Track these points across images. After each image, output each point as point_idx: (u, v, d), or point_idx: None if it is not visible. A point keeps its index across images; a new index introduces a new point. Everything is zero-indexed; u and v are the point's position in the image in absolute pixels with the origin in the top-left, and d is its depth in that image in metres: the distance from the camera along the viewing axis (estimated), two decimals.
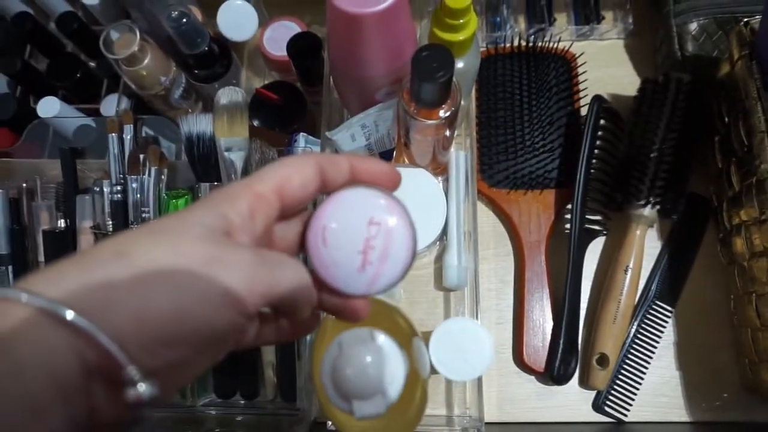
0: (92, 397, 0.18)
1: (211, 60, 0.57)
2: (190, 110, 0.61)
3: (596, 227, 0.55)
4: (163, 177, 0.53)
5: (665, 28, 0.57)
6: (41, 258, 0.54)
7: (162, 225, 0.20)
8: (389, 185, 0.25)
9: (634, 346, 0.53)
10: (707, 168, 0.56)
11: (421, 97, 0.41)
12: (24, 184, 0.56)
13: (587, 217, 0.54)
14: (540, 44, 0.58)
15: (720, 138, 0.52)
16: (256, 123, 0.56)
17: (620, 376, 0.52)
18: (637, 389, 0.52)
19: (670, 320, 0.53)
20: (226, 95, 0.51)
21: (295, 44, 0.56)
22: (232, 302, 0.19)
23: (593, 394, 0.52)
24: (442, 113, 0.43)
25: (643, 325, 0.53)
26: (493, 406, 0.52)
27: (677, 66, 0.56)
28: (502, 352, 0.54)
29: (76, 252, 0.20)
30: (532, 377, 0.53)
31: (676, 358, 0.53)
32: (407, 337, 0.38)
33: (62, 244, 0.53)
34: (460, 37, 0.42)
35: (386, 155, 0.55)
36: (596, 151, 0.54)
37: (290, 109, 0.57)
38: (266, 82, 0.62)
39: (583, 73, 0.58)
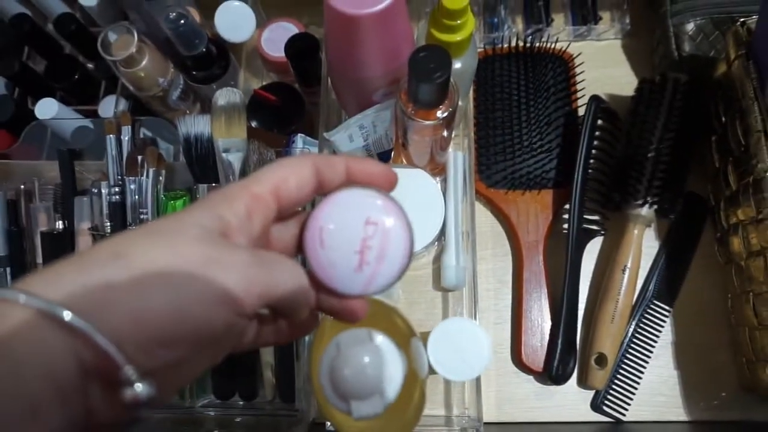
0: (90, 398, 0.18)
1: (209, 61, 0.57)
2: (188, 111, 0.61)
3: (594, 227, 0.55)
4: (161, 178, 0.53)
5: (662, 28, 0.57)
6: (39, 259, 0.54)
7: (159, 226, 0.20)
8: (386, 186, 0.25)
9: (632, 345, 0.53)
10: (704, 167, 0.56)
11: (418, 98, 0.41)
12: (22, 186, 0.56)
13: (585, 217, 0.54)
14: (537, 45, 0.58)
15: (717, 138, 0.53)
16: (254, 124, 0.56)
17: (618, 376, 0.52)
18: (636, 389, 0.52)
19: (667, 320, 0.54)
20: (224, 96, 0.51)
21: (292, 45, 0.56)
22: (229, 303, 0.20)
23: (592, 393, 0.53)
24: (439, 114, 0.43)
25: (641, 325, 0.53)
26: (491, 406, 0.53)
27: (674, 66, 0.56)
28: (500, 352, 0.54)
29: (74, 253, 0.20)
30: (531, 377, 0.53)
31: (674, 358, 0.53)
32: (405, 337, 0.38)
33: (60, 246, 0.53)
34: (458, 37, 0.42)
35: (384, 156, 0.55)
36: (594, 151, 0.55)
37: (288, 110, 0.57)
38: (264, 83, 0.62)
39: (581, 73, 0.58)
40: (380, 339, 0.32)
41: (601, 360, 0.51)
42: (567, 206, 0.54)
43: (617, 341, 0.51)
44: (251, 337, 0.25)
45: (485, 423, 0.47)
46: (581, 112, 0.56)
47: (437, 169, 0.55)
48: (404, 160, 0.54)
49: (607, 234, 0.56)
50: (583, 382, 0.52)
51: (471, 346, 0.42)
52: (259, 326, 0.25)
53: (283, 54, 0.56)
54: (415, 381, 0.37)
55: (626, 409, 0.51)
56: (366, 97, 0.47)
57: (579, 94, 0.58)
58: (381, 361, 0.30)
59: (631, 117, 0.55)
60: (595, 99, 0.55)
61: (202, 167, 0.52)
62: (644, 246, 0.53)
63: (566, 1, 0.63)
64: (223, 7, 0.57)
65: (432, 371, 0.42)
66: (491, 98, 0.58)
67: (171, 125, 0.59)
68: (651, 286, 0.54)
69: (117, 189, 0.52)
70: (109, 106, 0.61)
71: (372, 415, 0.30)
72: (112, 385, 0.18)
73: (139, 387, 0.18)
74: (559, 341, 0.51)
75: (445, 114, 0.43)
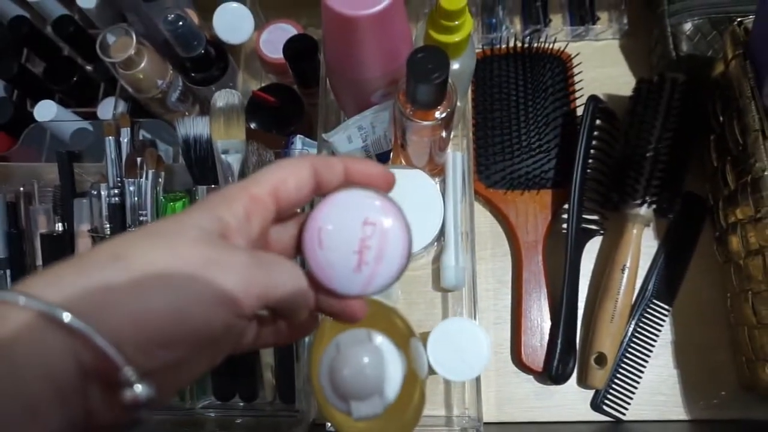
0: (89, 399, 0.18)
1: (207, 63, 0.57)
2: (186, 113, 0.61)
3: (593, 227, 0.55)
4: (160, 180, 0.53)
5: (660, 28, 0.57)
6: (39, 262, 0.54)
7: (159, 228, 0.20)
8: (384, 186, 0.25)
9: (632, 345, 0.53)
10: (703, 167, 0.56)
11: (416, 99, 0.41)
12: (21, 188, 0.56)
13: (584, 216, 0.54)
14: (536, 45, 0.58)
15: (715, 137, 0.53)
16: (253, 125, 0.56)
17: (618, 375, 0.52)
18: (635, 388, 0.52)
19: (667, 319, 0.54)
20: (223, 98, 0.51)
21: (291, 47, 0.56)
22: (228, 304, 0.20)
23: (591, 393, 0.53)
24: (438, 114, 0.43)
25: (641, 324, 0.53)
26: (491, 406, 0.53)
27: (672, 66, 0.56)
28: (500, 352, 0.54)
29: (73, 255, 0.20)
30: (531, 377, 0.54)
31: (674, 357, 0.53)
32: (405, 337, 0.38)
33: (60, 248, 0.53)
34: (456, 38, 0.42)
35: (383, 157, 0.55)
36: (592, 151, 0.55)
37: (287, 111, 0.57)
38: (263, 84, 0.62)
39: (579, 73, 0.58)
40: (380, 339, 0.32)
41: (601, 359, 0.51)
42: (566, 206, 0.54)
43: (617, 341, 0.52)
44: (251, 338, 0.25)
45: (485, 423, 0.48)
46: (579, 112, 0.56)
47: (436, 169, 0.55)
48: (403, 161, 0.54)
49: (606, 234, 0.56)
50: (582, 382, 0.52)
51: (470, 346, 0.42)
52: (258, 327, 0.25)
53: (281, 55, 0.56)
54: (414, 381, 0.37)
55: (626, 409, 0.51)
56: (364, 98, 0.47)
57: (577, 94, 0.58)
58: (380, 361, 0.30)
59: (629, 117, 0.55)
60: (593, 99, 0.55)
61: (201, 169, 0.52)
62: (643, 245, 0.53)
63: (564, 1, 0.64)
64: (221, 9, 0.57)
65: (432, 371, 0.42)
66: (490, 99, 0.58)
67: (170, 127, 0.59)
68: (650, 286, 0.54)
69: (116, 191, 0.52)
70: (108, 108, 0.61)
71: (372, 415, 0.30)
72: (111, 387, 0.18)
73: (138, 388, 0.18)
74: (559, 341, 0.51)
75: (444, 114, 0.43)
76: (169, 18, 0.51)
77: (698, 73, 0.54)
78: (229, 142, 0.50)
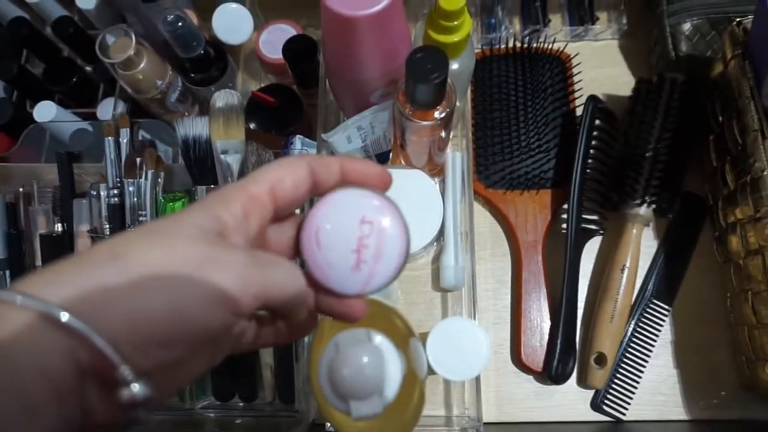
0: (87, 398, 0.18)
1: (206, 63, 0.57)
2: (186, 113, 0.61)
3: (592, 227, 0.55)
4: (159, 180, 0.53)
5: (659, 28, 0.57)
6: (38, 262, 0.54)
7: (157, 226, 0.21)
8: (380, 186, 0.25)
9: (632, 344, 0.53)
10: (702, 167, 0.56)
11: (416, 99, 0.41)
12: (21, 189, 0.56)
13: (583, 216, 0.54)
14: (535, 45, 0.58)
15: (714, 137, 0.53)
16: (252, 126, 0.56)
17: (618, 375, 0.52)
18: (635, 388, 0.52)
19: (667, 319, 0.54)
20: (222, 98, 0.51)
21: (290, 47, 0.56)
22: (225, 302, 0.20)
23: (591, 393, 0.53)
24: (437, 114, 0.43)
25: (641, 324, 0.53)
26: (491, 406, 0.53)
27: (671, 66, 0.56)
28: (500, 352, 0.54)
29: (72, 254, 0.20)
30: (530, 377, 0.54)
31: (674, 357, 0.53)
32: (404, 337, 0.38)
33: (59, 248, 0.53)
34: (455, 38, 0.42)
35: (382, 157, 0.55)
36: (592, 151, 0.55)
37: (286, 111, 0.57)
38: (262, 85, 0.62)
39: (578, 73, 0.58)
40: (379, 339, 0.32)
41: (601, 359, 0.51)
42: (565, 206, 0.54)
43: (616, 340, 0.52)
44: (250, 338, 0.25)
45: (485, 423, 0.48)
46: (579, 112, 0.56)
47: (436, 169, 0.55)
48: (403, 161, 0.54)
49: (605, 234, 0.56)
50: (582, 382, 0.52)
51: (470, 345, 0.42)
52: (258, 327, 0.25)
53: (281, 56, 0.56)
54: (414, 381, 0.37)
55: (626, 409, 0.51)
56: (364, 99, 0.47)
57: (576, 95, 0.58)
58: (380, 361, 0.30)
59: (628, 117, 0.55)
60: (592, 99, 0.55)
61: (201, 169, 0.52)
62: (643, 245, 0.53)
63: (563, 1, 0.64)
64: (220, 10, 0.57)
65: (431, 371, 0.42)
66: (489, 99, 0.59)
67: (169, 127, 0.59)
68: (650, 286, 0.54)
69: (116, 191, 0.52)
70: (107, 109, 0.61)
71: (371, 415, 0.30)
72: (108, 386, 0.18)
73: (135, 387, 0.18)
74: (559, 341, 0.51)
75: (443, 114, 0.43)
76: (169, 19, 0.51)
77: (697, 73, 0.54)
78: (229, 143, 0.50)
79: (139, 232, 0.20)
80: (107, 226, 0.52)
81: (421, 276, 0.56)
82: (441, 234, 0.53)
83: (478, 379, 0.46)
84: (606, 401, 0.52)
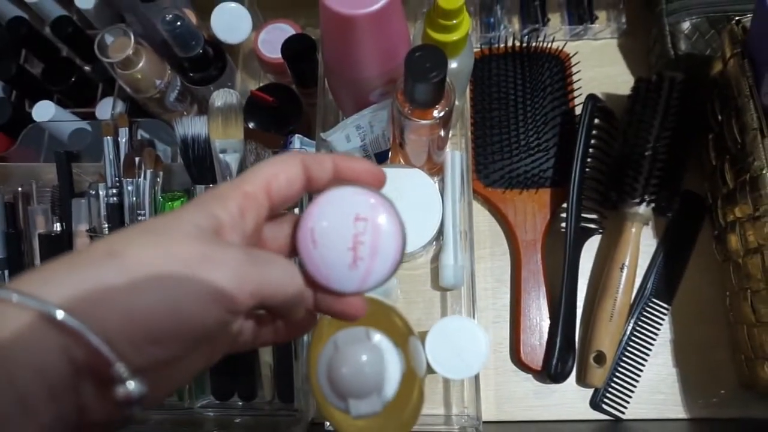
0: (81, 396, 0.18)
1: (205, 63, 0.57)
2: (185, 113, 0.61)
3: (592, 226, 0.55)
4: (158, 180, 0.53)
5: (658, 27, 0.57)
6: (37, 262, 0.54)
7: (153, 225, 0.20)
8: (374, 183, 0.25)
9: (631, 343, 0.53)
10: (701, 166, 0.56)
11: (414, 98, 0.41)
12: (20, 188, 0.56)
13: (583, 215, 0.54)
14: (534, 44, 0.58)
15: (714, 136, 0.53)
16: (251, 125, 0.56)
17: (617, 374, 0.52)
18: (635, 387, 0.52)
19: (666, 318, 0.54)
20: (221, 97, 0.51)
21: (289, 46, 0.56)
22: (221, 300, 0.20)
23: (591, 391, 0.53)
24: (436, 113, 0.43)
25: (640, 323, 0.53)
26: (491, 404, 0.53)
27: (670, 65, 0.56)
28: (499, 351, 0.54)
29: (68, 253, 0.20)
30: (530, 376, 0.54)
31: (673, 356, 0.53)
32: (403, 336, 0.38)
33: (58, 248, 0.53)
34: (454, 37, 0.42)
35: (382, 156, 0.55)
36: (591, 150, 0.55)
37: (285, 110, 0.57)
38: (261, 84, 0.62)
39: (577, 72, 0.58)
40: (378, 337, 0.32)
41: (600, 358, 0.51)
42: (564, 205, 0.54)
43: (616, 339, 0.52)
44: (249, 337, 0.25)
45: (484, 422, 0.48)
46: (578, 111, 0.56)
47: (435, 168, 0.55)
48: (402, 160, 0.54)
49: (605, 232, 0.56)
50: (582, 381, 0.52)
51: (469, 344, 0.42)
52: (257, 326, 0.25)
53: (279, 55, 0.56)
54: (413, 380, 0.37)
55: (625, 407, 0.51)
56: (363, 98, 0.47)
57: (576, 94, 0.58)
58: (379, 359, 0.30)
59: (627, 116, 0.55)
60: (591, 98, 0.55)
61: (200, 168, 0.52)
62: (642, 244, 0.53)
63: (562, 0, 0.64)
64: (219, 9, 0.57)
65: (430, 370, 0.42)
66: (488, 98, 0.59)
67: (168, 127, 0.59)
68: (649, 285, 0.54)
69: (115, 191, 0.52)
70: (106, 109, 0.61)
71: (370, 413, 0.30)
72: (104, 383, 0.18)
73: (131, 385, 0.18)
74: (558, 340, 0.51)
75: (442, 113, 0.43)
76: (167, 18, 0.51)
77: (696, 72, 0.54)
78: (227, 142, 0.50)
79: (135, 230, 0.20)
80: (106, 225, 0.52)
81: (421, 275, 0.56)
82: (440, 233, 0.53)
83: (477, 377, 0.46)
84: (605, 400, 0.52)
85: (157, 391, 0.20)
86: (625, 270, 0.52)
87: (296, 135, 0.55)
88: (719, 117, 0.51)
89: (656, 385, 0.52)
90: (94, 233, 0.52)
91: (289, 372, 0.50)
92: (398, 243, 0.24)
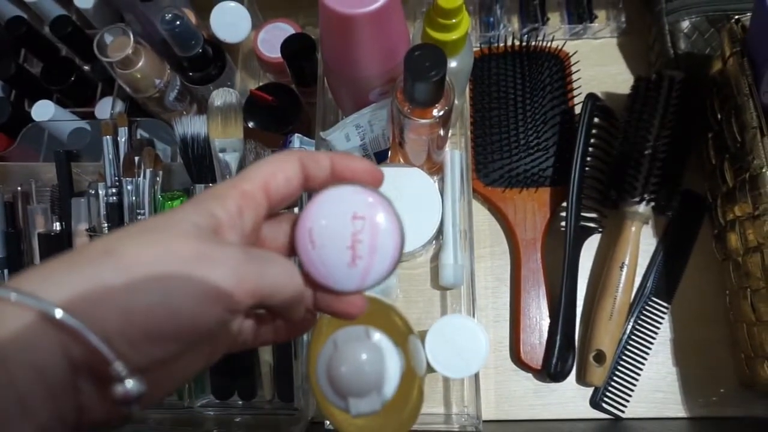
0: (80, 395, 0.18)
1: (205, 62, 0.57)
2: (184, 112, 0.61)
3: (591, 225, 0.55)
4: (158, 179, 0.53)
5: (658, 26, 0.57)
6: (37, 261, 0.54)
7: (151, 224, 0.20)
8: (371, 181, 0.25)
9: (631, 342, 0.53)
10: (701, 164, 0.56)
11: (414, 97, 0.41)
12: (19, 188, 0.56)
13: (582, 214, 0.54)
14: (533, 43, 0.58)
15: (713, 134, 0.53)
16: (251, 124, 0.56)
17: (617, 373, 0.52)
18: (634, 385, 0.52)
19: (666, 317, 0.54)
20: (220, 97, 0.51)
21: (288, 46, 0.56)
22: (219, 299, 0.20)
23: (590, 390, 0.53)
24: (435, 112, 0.43)
25: (640, 322, 0.53)
26: (490, 403, 0.53)
27: (670, 64, 0.56)
28: (499, 350, 0.54)
29: (66, 251, 0.20)
30: (530, 375, 0.54)
31: (673, 355, 0.53)
32: (403, 335, 0.38)
33: (58, 247, 0.53)
34: (453, 36, 0.42)
35: (381, 155, 0.55)
36: (590, 148, 0.55)
37: (285, 110, 0.57)
38: (261, 83, 0.62)
39: (577, 71, 0.58)
40: (377, 336, 0.32)
41: (600, 357, 0.51)
42: (564, 204, 0.54)
43: (615, 338, 0.52)
44: (249, 336, 0.25)
45: (484, 421, 0.48)
46: (578, 110, 0.56)
47: (434, 168, 0.55)
48: (401, 159, 0.54)
49: (604, 231, 0.56)
50: (581, 380, 0.52)
51: (469, 343, 0.42)
52: (256, 326, 0.25)
53: (279, 54, 0.56)
54: (413, 378, 0.37)
55: (625, 406, 0.51)
56: (362, 97, 0.47)
57: (575, 93, 0.58)
58: (378, 358, 0.30)
59: (627, 115, 0.55)
60: (591, 97, 0.55)
61: (199, 168, 0.52)
62: (642, 243, 0.53)
63: None
64: (218, 8, 0.57)
65: (430, 369, 0.42)
66: (488, 97, 0.58)
67: (168, 126, 0.59)
68: (649, 283, 0.54)
69: (114, 190, 0.52)
70: (105, 108, 0.61)
71: (370, 412, 0.30)
72: (102, 382, 0.18)
73: (129, 383, 0.18)
74: (558, 338, 0.51)
75: (441, 112, 0.43)
76: (167, 17, 0.51)
77: (696, 71, 0.54)
78: (227, 141, 0.50)
79: (133, 229, 0.20)
80: (106, 225, 0.52)
81: (420, 274, 0.56)
82: (440, 232, 0.53)
83: (477, 376, 0.46)
84: (605, 399, 0.52)
85: (156, 391, 0.20)
86: (625, 269, 0.52)
87: (296, 134, 0.55)
88: (719, 116, 0.51)
89: (656, 384, 0.52)
90: (93, 232, 0.52)
91: (288, 371, 0.50)
92: (396, 241, 0.24)
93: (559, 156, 0.56)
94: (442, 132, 0.47)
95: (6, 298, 0.17)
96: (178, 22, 0.51)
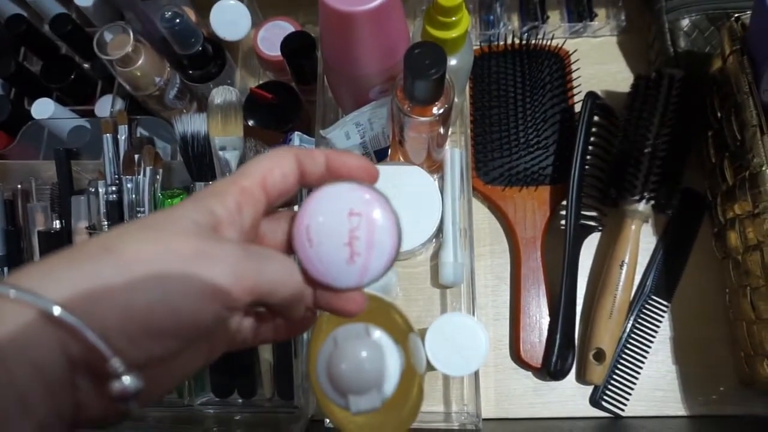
0: (78, 391, 0.18)
1: (205, 60, 0.57)
2: (184, 110, 0.61)
3: (591, 223, 0.55)
4: (158, 177, 0.53)
5: (657, 24, 0.57)
6: (37, 259, 0.54)
7: (150, 221, 0.20)
8: (367, 178, 0.25)
9: (631, 341, 0.53)
10: (701, 163, 0.56)
11: (414, 95, 0.41)
12: (19, 186, 0.56)
13: (582, 213, 0.54)
14: (533, 42, 0.58)
15: (713, 133, 0.53)
16: (251, 122, 0.56)
17: (617, 371, 0.52)
18: (634, 384, 0.52)
19: (666, 315, 0.54)
20: (220, 95, 0.51)
21: (288, 44, 0.56)
22: (218, 296, 0.20)
23: (590, 389, 0.53)
24: (435, 110, 0.43)
25: (639, 320, 0.53)
26: (490, 402, 0.53)
27: (670, 62, 0.56)
28: (499, 348, 0.54)
29: (65, 248, 0.20)
30: (530, 373, 0.54)
31: (673, 353, 0.53)
32: (403, 333, 0.38)
33: (58, 245, 0.53)
34: (453, 34, 0.42)
35: (381, 153, 0.55)
36: (590, 147, 0.55)
37: (285, 108, 0.57)
38: (260, 81, 0.62)
39: (577, 69, 0.58)
40: (377, 334, 0.32)
41: (600, 355, 0.51)
42: (564, 202, 0.54)
43: (615, 336, 0.52)
44: (249, 335, 0.25)
45: (484, 419, 0.48)
46: (577, 108, 0.56)
47: (434, 166, 0.55)
48: (401, 158, 0.54)
49: (604, 230, 0.56)
50: (581, 378, 0.52)
51: (469, 341, 0.42)
52: (256, 324, 0.25)
53: (279, 52, 0.56)
54: (413, 376, 0.37)
55: (625, 405, 0.51)
56: (362, 95, 0.47)
57: (575, 91, 0.58)
58: (379, 356, 0.30)
59: (627, 113, 0.55)
60: (591, 95, 0.55)
61: (199, 166, 0.52)
62: (642, 241, 0.53)
63: None
64: (218, 6, 0.57)
65: (430, 367, 0.42)
66: (488, 95, 0.58)
67: (168, 124, 0.59)
68: (649, 282, 0.54)
69: (114, 188, 0.52)
70: (105, 106, 0.61)
71: (370, 409, 0.30)
72: (100, 379, 0.18)
73: (127, 380, 0.18)
74: (558, 337, 0.51)
75: (441, 110, 0.43)
76: (167, 15, 0.51)
77: (696, 69, 0.54)
78: (227, 139, 0.50)
79: (132, 226, 0.20)
80: (105, 222, 0.52)
81: (420, 272, 0.56)
82: (440, 230, 0.53)
83: (477, 374, 0.47)
84: (605, 397, 0.52)
85: (155, 388, 0.20)
86: (625, 267, 0.52)
87: (296, 132, 0.55)
88: (719, 114, 0.51)
89: (656, 383, 0.52)
90: (93, 230, 0.52)
91: (288, 369, 0.50)
92: (394, 237, 0.24)
93: (559, 154, 0.56)
94: (441, 130, 0.47)
95: (5, 294, 0.17)
96: (177, 20, 0.51)
